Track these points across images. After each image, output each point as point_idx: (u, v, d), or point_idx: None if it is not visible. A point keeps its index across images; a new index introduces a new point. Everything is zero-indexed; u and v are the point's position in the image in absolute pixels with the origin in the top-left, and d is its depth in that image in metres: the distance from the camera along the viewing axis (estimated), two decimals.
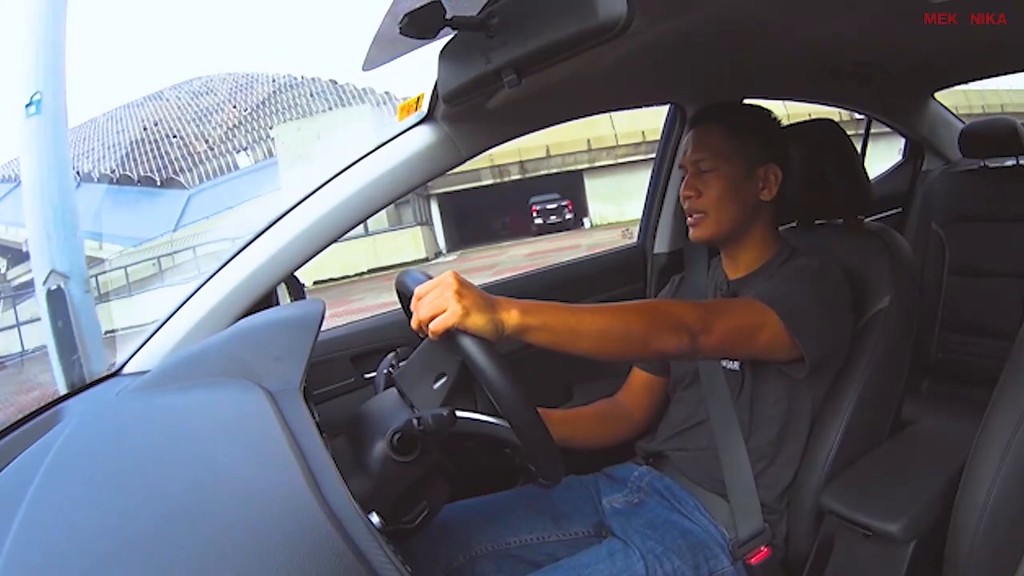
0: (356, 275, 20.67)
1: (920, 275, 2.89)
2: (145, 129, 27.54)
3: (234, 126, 26.49)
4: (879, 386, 1.72)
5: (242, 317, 1.68)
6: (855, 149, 1.93)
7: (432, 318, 1.22)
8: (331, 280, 20.15)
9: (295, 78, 30.14)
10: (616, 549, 1.57)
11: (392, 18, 1.34)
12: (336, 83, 29.12)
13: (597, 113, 2.26)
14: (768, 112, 1.82)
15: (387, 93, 28.20)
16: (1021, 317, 1.52)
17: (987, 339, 2.83)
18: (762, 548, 1.63)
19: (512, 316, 1.25)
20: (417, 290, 1.26)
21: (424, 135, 1.85)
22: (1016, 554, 1.38)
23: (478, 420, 1.29)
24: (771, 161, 1.74)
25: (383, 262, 22.10)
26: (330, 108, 27.38)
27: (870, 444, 1.73)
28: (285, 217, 1.79)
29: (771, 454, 1.69)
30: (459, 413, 1.25)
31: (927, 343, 2.98)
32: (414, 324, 1.26)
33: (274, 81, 30.02)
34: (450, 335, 1.23)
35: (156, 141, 26.30)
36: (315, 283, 19.73)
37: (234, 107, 28.01)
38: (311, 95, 28.47)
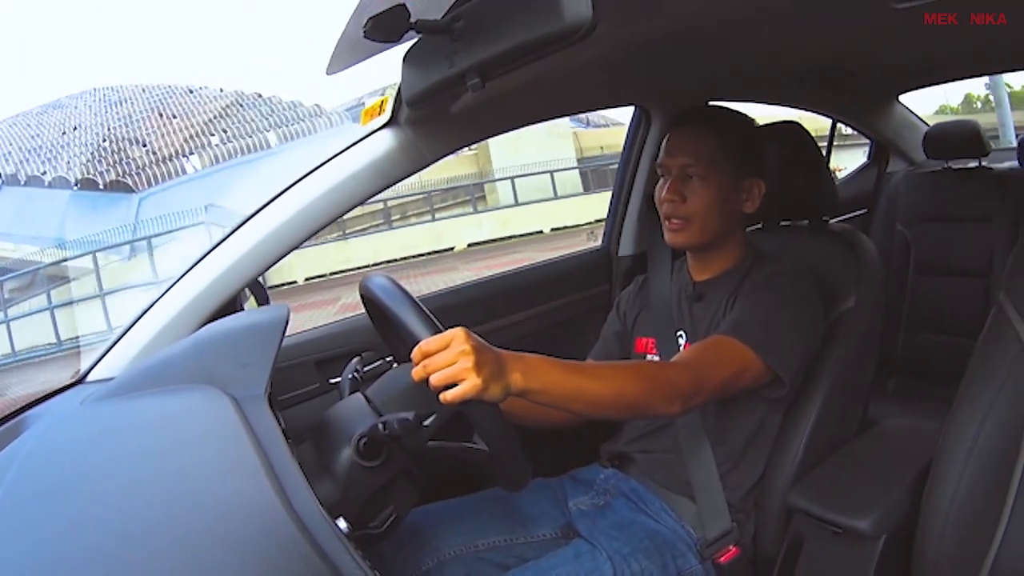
0: (587, 223, 21.55)
1: (886, 275, 2.92)
2: (64, 134, 26.93)
3: (168, 133, 25.98)
4: (845, 385, 1.74)
5: (206, 323, 1.67)
6: (820, 151, 1.94)
7: (446, 385, 1.18)
8: (565, 228, 21.24)
9: (215, 89, 29.69)
10: (583, 551, 1.57)
11: (356, 22, 1.34)
12: (261, 95, 28.75)
13: (561, 116, 2.26)
14: (753, 121, 1.81)
15: (317, 106, 27.97)
16: (985, 316, 1.54)
17: (951, 337, 2.89)
18: (731, 547, 1.64)
19: (517, 379, 1.23)
20: (424, 346, 1.20)
21: (388, 139, 1.84)
22: (984, 546, 1.39)
23: (454, 447, 1.31)
24: (756, 175, 1.74)
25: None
26: (265, 118, 27.36)
27: (837, 443, 1.74)
28: (249, 222, 1.77)
29: (738, 456, 1.70)
30: (433, 443, 1.27)
31: (893, 342, 3.03)
32: (415, 375, 1.21)
33: (191, 92, 29.54)
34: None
35: (86, 145, 25.74)
36: (553, 229, 21.24)
37: (160, 115, 27.47)
38: (240, 105, 28.07)
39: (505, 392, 1.22)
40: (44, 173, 24.12)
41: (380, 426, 1.23)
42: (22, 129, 28.36)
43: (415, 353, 1.20)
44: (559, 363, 1.33)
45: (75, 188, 23.24)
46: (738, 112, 1.82)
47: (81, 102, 29.86)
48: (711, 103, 1.90)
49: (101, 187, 23.13)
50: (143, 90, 30.30)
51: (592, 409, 1.41)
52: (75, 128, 27.42)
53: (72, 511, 1.00)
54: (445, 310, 1.82)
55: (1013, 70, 3.31)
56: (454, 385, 1.17)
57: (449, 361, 1.17)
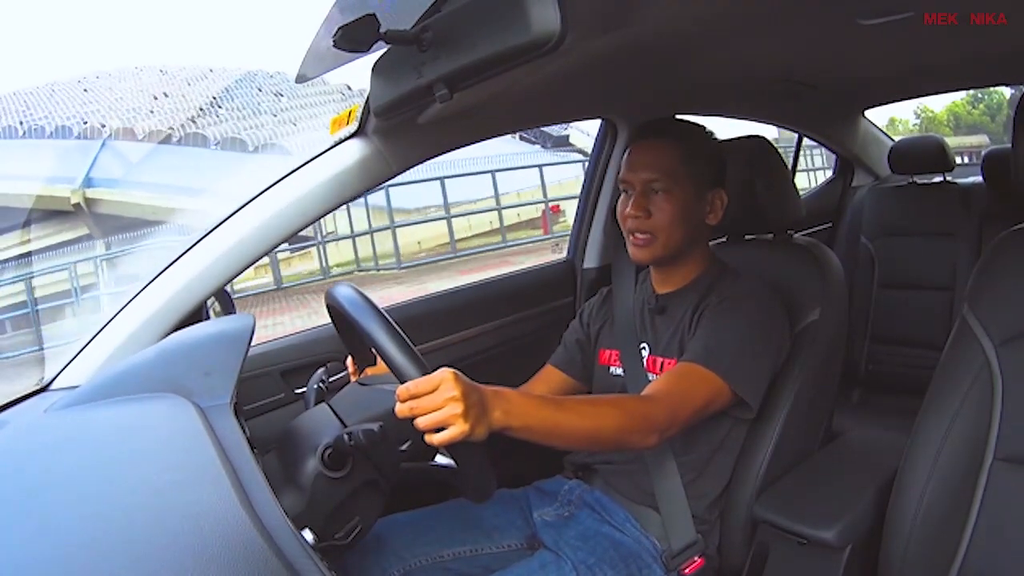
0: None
1: (850, 288, 2.96)
2: (156, 99, 26.24)
3: (283, 110, 25.41)
4: (810, 397, 1.74)
5: (172, 331, 1.65)
6: (785, 165, 1.96)
7: (434, 427, 1.18)
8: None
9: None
10: (548, 561, 1.57)
11: (326, 31, 1.33)
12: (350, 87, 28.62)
13: (530, 128, 2.26)
14: (713, 134, 1.79)
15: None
16: (948, 328, 1.56)
17: (915, 350, 2.92)
18: (696, 559, 1.64)
19: (498, 417, 1.24)
20: (413, 388, 1.19)
21: (355, 149, 1.83)
22: (949, 554, 1.42)
23: (424, 468, 1.34)
24: (719, 186, 1.73)
25: None
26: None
27: (802, 454, 1.76)
28: (216, 230, 1.76)
29: (702, 466, 1.70)
30: (405, 464, 1.30)
31: (857, 354, 3.06)
32: (400, 413, 1.20)
33: (271, 76, 29.15)
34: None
35: (198, 109, 25.13)
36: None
37: (259, 91, 26.93)
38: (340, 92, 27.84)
39: (488, 431, 1.23)
40: (172, 129, 23.31)
41: (345, 437, 1.23)
42: (76, 95, 27.31)
43: (401, 391, 1.19)
44: (539, 399, 1.36)
45: (214, 147, 22.44)
46: (698, 124, 1.81)
47: (141, 75, 29.11)
48: (677, 116, 1.90)
49: (251, 148, 22.39)
50: (210, 70, 29.77)
51: (571, 444, 1.44)
52: (166, 95, 26.76)
53: (35, 521, 0.99)
54: (410, 322, 1.81)
55: (977, 87, 3.37)
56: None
57: (438, 406, 1.17)
